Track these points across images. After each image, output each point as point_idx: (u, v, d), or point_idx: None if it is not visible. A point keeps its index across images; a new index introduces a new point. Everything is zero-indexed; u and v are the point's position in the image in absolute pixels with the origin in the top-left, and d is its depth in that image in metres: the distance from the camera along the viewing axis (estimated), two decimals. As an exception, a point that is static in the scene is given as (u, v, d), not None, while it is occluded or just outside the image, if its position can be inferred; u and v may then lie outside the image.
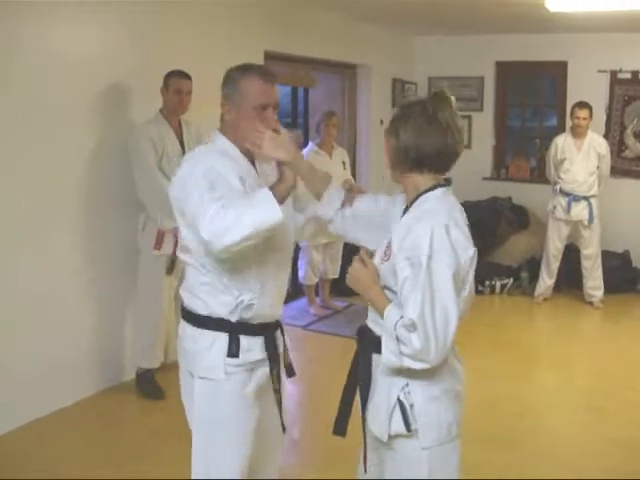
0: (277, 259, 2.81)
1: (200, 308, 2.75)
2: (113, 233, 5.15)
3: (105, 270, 5.14)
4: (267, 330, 2.82)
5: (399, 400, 2.39)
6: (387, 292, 2.41)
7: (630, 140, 8.45)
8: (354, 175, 7.89)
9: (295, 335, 6.42)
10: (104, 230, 5.09)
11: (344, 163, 7.13)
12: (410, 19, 7.90)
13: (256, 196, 2.53)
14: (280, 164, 2.67)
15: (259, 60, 6.40)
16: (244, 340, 2.74)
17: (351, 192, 2.77)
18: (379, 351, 2.38)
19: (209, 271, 2.70)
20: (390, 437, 2.43)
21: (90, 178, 4.97)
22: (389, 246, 2.41)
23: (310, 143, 7.13)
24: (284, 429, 2.96)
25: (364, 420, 2.53)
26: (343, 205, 2.74)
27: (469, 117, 9.04)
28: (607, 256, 7.88)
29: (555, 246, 7.65)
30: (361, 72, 8.54)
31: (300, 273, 7.22)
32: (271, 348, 2.82)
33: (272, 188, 2.56)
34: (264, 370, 2.83)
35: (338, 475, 4.00)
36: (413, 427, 2.38)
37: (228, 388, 2.73)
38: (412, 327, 2.21)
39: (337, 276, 7.34)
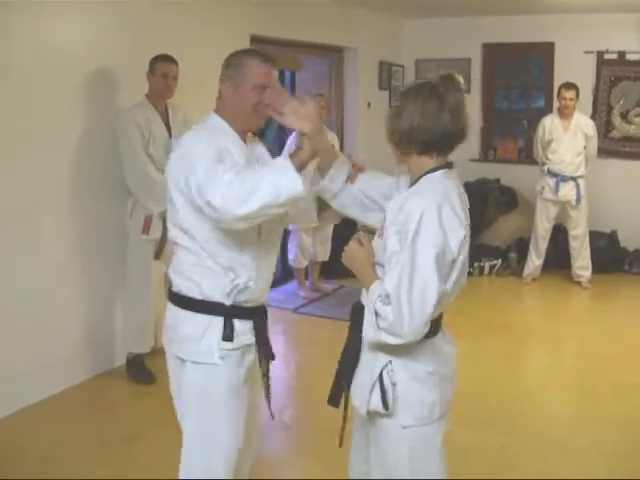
0: (270, 241, 2.82)
1: (194, 292, 2.72)
2: (102, 219, 5.14)
3: (95, 256, 5.13)
4: (256, 314, 2.83)
5: (381, 377, 2.41)
6: (379, 268, 2.43)
7: (617, 120, 8.48)
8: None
9: (285, 318, 6.44)
10: (93, 216, 5.08)
11: (333, 146, 7.11)
12: (397, 2, 7.89)
13: (276, 165, 2.50)
14: (300, 134, 2.59)
15: (245, 44, 6.38)
16: (237, 324, 2.74)
17: (354, 168, 2.76)
18: None
19: (206, 253, 2.68)
20: (370, 413, 2.46)
21: (78, 164, 4.95)
22: (384, 222, 2.43)
23: None
24: (272, 416, 2.95)
25: (347, 393, 2.56)
26: (347, 180, 2.73)
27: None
28: (595, 236, 7.92)
29: (543, 226, 7.68)
30: (348, 55, 8.52)
31: (290, 256, 7.23)
32: (260, 332, 2.83)
33: (292, 157, 2.53)
34: (252, 354, 2.83)
35: (330, 459, 4.02)
36: (391, 405, 2.40)
37: (223, 372, 2.73)
38: (387, 299, 2.24)
39: (327, 259, 7.36)
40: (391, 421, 2.44)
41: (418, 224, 2.24)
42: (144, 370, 5.14)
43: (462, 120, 2.41)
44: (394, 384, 2.40)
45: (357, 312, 2.55)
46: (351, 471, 2.81)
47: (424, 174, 2.43)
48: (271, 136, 7.85)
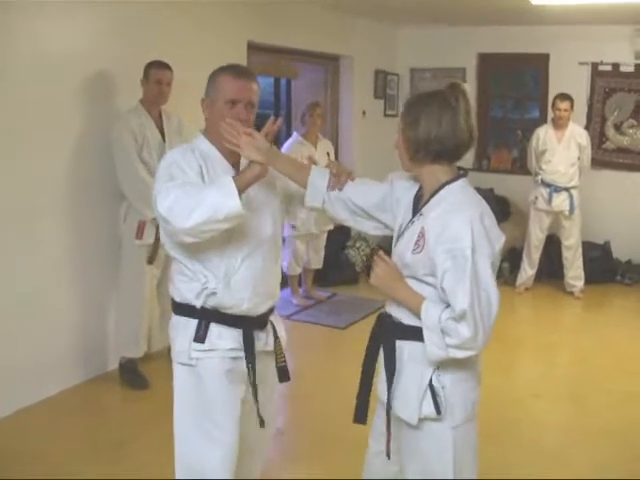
0: (250, 252, 2.80)
1: (176, 295, 2.85)
2: (97, 223, 5.15)
3: (89, 260, 5.14)
4: (245, 323, 2.83)
5: (431, 384, 2.46)
6: (415, 281, 2.46)
7: (610, 132, 8.52)
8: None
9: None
10: (88, 220, 5.08)
11: (328, 154, 7.14)
12: (393, 11, 7.91)
13: (219, 184, 2.56)
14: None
15: (242, 51, 6.41)
16: (215, 328, 2.79)
17: (337, 176, 2.76)
18: (402, 337, 2.49)
19: (180, 261, 2.79)
20: (419, 420, 2.49)
21: (75, 167, 4.96)
22: (422, 237, 2.42)
23: (295, 134, 7.14)
24: (262, 423, 2.92)
25: (389, 406, 2.56)
26: (332, 188, 2.75)
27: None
28: (587, 247, 7.95)
29: (536, 236, 7.71)
30: (344, 63, 8.55)
31: (283, 263, 7.23)
32: (247, 342, 2.83)
33: (240, 173, 2.62)
34: (243, 362, 2.84)
35: (324, 464, 4.04)
36: (443, 409, 2.45)
37: (205, 374, 2.78)
38: (461, 317, 2.29)
39: (320, 266, 7.36)
40: (440, 424, 2.48)
41: (472, 241, 2.30)
42: (137, 375, 5.14)
43: (472, 127, 2.46)
44: (443, 387, 2.46)
45: (385, 324, 2.60)
46: (368, 477, 2.84)
47: (444, 185, 2.47)
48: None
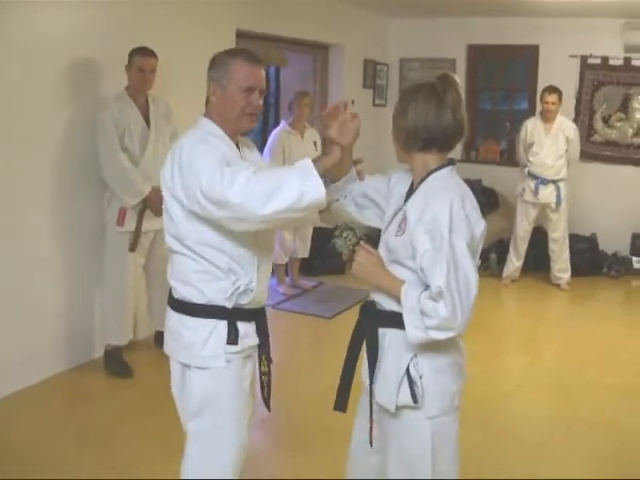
0: (267, 242, 2.83)
1: (196, 297, 2.69)
2: (81, 211, 5.11)
3: (73, 248, 5.10)
4: (258, 315, 2.83)
5: (408, 371, 2.46)
6: (397, 266, 2.48)
7: (599, 125, 8.53)
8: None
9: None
10: (73, 208, 5.05)
11: (315, 143, 7.14)
12: (383, 0, 7.89)
13: (299, 168, 2.48)
14: (332, 143, 2.64)
15: (231, 38, 6.37)
16: (241, 326, 2.73)
17: (359, 174, 2.82)
18: (385, 325, 2.50)
19: (204, 258, 2.66)
20: (397, 408, 2.50)
21: (58, 157, 4.93)
22: (404, 220, 2.46)
23: (282, 122, 7.12)
24: (269, 407, 2.95)
25: (371, 393, 2.58)
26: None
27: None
28: (574, 239, 7.97)
29: (523, 228, 7.72)
30: (333, 52, 8.53)
31: None
32: (263, 333, 2.83)
33: (316, 161, 2.54)
34: (255, 356, 2.85)
35: (307, 452, 4.05)
36: (419, 398, 2.45)
37: (229, 375, 2.72)
38: (439, 296, 2.29)
39: (307, 256, 7.37)
40: (416, 413, 2.49)
41: (450, 221, 2.32)
42: (122, 363, 5.12)
43: (461, 117, 2.50)
44: (420, 376, 2.47)
45: (369, 312, 2.61)
46: (352, 466, 2.84)
47: (431, 172, 2.51)
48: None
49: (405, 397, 2.47)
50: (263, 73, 2.77)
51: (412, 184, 2.60)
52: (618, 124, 8.44)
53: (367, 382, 2.59)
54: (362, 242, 2.55)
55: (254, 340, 2.79)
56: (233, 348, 2.70)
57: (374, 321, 2.57)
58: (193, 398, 2.75)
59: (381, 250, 2.57)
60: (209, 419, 2.74)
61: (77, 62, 4.95)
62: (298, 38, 7.67)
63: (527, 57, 8.86)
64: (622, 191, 8.43)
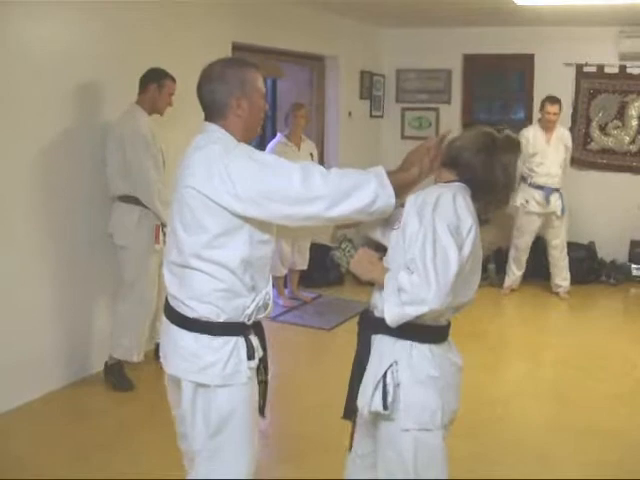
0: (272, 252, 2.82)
1: (215, 315, 2.63)
2: (83, 226, 5.11)
3: (74, 264, 5.10)
4: (258, 327, 2.80)
5: (384, 377, 2.45)
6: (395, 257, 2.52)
7: (595, 133, 8.55)
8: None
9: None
10: (72, 223, 5.05)
11: (312, 155, 7.15)
12: (378, 11, 7.91)
13: (377, 174, 2.53)
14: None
15: (227, 51, 6.38)
16: (253, 340, 2.72)
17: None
18: (376, 331, 2.50)
19: (232, 275, 2.60)
20: (372, 414, 2.50)
21: (61, 173, 4.93)
22: (403, 214, 2.53)
23: (278, 134, 7.13)
24: (264, 416, 2.94)
25: (357, 398, 2.58)
26: None
27: (436, 109, 9.11)
28: (573, 247, 7.97)
29: (526, 239, 7.72)
30: (329, 64, 8.54)
31: None
32: (263, 343, 2.82)
33: (390, 172, 2.58)
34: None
35: (308, 465, 4.03)
36: (390, 406, 2.43)
37: (248, 391, 2.71)
38: (413, 265, 2.32)
39: (306, 267, 7.36)
40: (392, 424, 2.47)
41: (436, 203, 2.40)
42: (123, 377, 5.11)
43: (500, 176, 2.56)
44: (397, 385, 2.45)
45: (365, 319, 2.63)
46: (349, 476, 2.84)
47: (445, 182, 2.60)
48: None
49: (377, 403, 2.45)
50: None
51: None
52: (614, 132, 8.46)
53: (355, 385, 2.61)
54: (364, 245, 2.60)
55: (261, 352, 2.77)
56: (252, 363, 2.69)
57: (368, 328, 2.58)
58: (213, 417, 2.69)
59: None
60: (228, 435, 2.70)
61: (76, 76, 4.96)
62: (294, 50, 7.69)
63: (523, 66, 8.88)
64: (620, 199, 8.43)
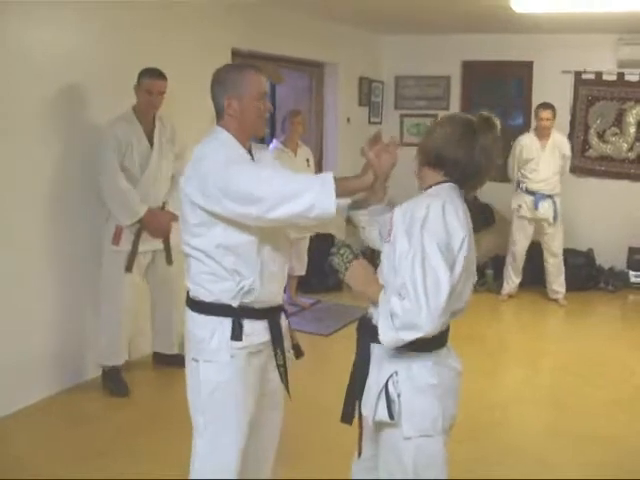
0: (275, 245, 2.92)
1: (205, 296, 2.87)
2: (76, 231, 5.10)
3: (69, 270, 5.09)
4: (271, 314, 2.98)
5: (386, 387, 2.46)
6: (392, 275, 2.48)
7: (593, 140, 8.56)
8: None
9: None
10: (67, 228, 5.04)
11: (308, 161, 7.16)
12: (377, 18, 7.93)
13: (322, 182, 2.61)
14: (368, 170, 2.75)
15: (226, 58, 6.39)
16: (247, 324, 2.88)
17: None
18: (375, 340, 2.46)
19: (212, 260, 2.82)
20: (376, 423, 2.51)
21: (55, 178, 4.93)
22: (391, 226, 2.50)
23: (275, 140, 7.13)
24: (289, 395, 3.17)
25: (359, 405, 2.60)
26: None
27: (435, 116, 9.12)
28: (571, 254, 7.99)
29: (520, 244, 7.73)
30: (328, 70, 8.56)
31: None
32: (275, 331, 2.98)
33: (344, 179, 2.70)
34: (268, 352, 2.99)
35: (306, 467, 4.03)
36: (396, 416, 2.44)
37: (232, 369, 2.87)
38: (404, 290, 2.28)
39: (304, 273, 7.36)
40: (394, 431, 2.48)
41: (424, 220, 2.34)
42: (120, 382, 5.10)
43: (483, 160, 2.54)
44: (399, 394, 2.45)
45: (364, 326, 2.62)
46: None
47: (430, 186, 2.55)
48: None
49: (382, 412, 2.47)
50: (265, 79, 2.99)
51: None
52: (613, 139, 8.47)
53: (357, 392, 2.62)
54: (360, 257, 2.58)
55: (262, 337, 2.94)
56: (237, 344, 2.86)
57: (367, 335, 2.57)
58: (202, 391, 2.90)
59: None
60: (215, 411, 2.90)
61: (73, 85, 4.97)
62: (293, 56, 7.70)
63: (521, 73, 8.90)
64: (618, 206, 8.44)
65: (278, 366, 3.02)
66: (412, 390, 2.46)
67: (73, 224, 5.08)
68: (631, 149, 8.42)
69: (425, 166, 2.58)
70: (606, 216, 8.48)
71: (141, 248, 5.06)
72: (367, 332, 2.57)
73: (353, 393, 2.66)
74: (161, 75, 4.99)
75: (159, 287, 5.35)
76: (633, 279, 8.33)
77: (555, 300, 7.76)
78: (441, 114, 9.05)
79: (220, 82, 2.90)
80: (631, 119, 8.34)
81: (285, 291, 7.32)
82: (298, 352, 3.22)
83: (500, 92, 9.48)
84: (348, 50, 8.60)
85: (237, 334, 2.86)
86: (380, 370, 2.49)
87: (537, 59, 8.66)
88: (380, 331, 2.36)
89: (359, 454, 2.69)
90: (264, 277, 2.87)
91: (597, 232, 8.48)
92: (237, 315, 2.86)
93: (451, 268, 2.33)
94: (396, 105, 9.56)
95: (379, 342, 2.44)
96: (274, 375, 3.05)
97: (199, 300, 2.90)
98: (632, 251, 8.38)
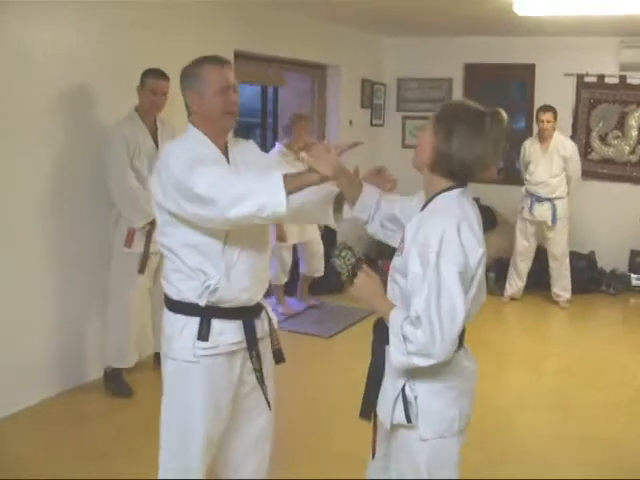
0: (245, 245, 2.85)
1: (174, 294, 2.87)
2: (80, 232, 5.12)
3: (71, 271, 5.10)
4: (245, 314, 2.90)
5: (403, 391, 2.46)
6: (395, 285, 2.49)
7: (596, 143, 8.57)
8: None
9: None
10: (72, 229, 5.06)
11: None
12: (379, 21, 7.94)
13: (270, 182, 2.57)
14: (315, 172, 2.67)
15: (229, 59, 6.39)
16: (217, 324, 2.83)
17: (386, 183, 2.90)
18: (387, 342, 2.45)
19: (178, 258, 2.81)
20: (393, 426, 2.50)
21: (58, 178, 4.94)
22: (402, 240, 2.47)
23: (277, 144, 7.13)
24: (269, 405, 3.04)
25: (376, 407, 2.59)
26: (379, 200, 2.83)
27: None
28: (573, 257, 7.97)
29: (522, 245, 7.74)
30: (330, 72, 8.57)
31: (270, 273, 7.16)
32: (249, 331, 2.90)
33: (294, 174, 2.66)
34: (245, 354, 2.93)
35: (309, 472, 4.02)
36: (414, 419, 2.44)
37: (197, 370, 2.83)
38: (418, 321, 2.27)
39: (322, 274, 7.41)
40: (411, 433, 2.48)
41: (440, 245, 2.28)
42: (122, 383, 5.11)
43: (494, 156, 2.47)
44: (416, 397, 2.45)
45: (379, 328, 2.59)
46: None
47: (440, 192, 2.47)
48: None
49: (400, 416, 2.46)
50: (231, 71, 2.92)
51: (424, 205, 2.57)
52: (615, 142, 8.48)
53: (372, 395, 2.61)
54: (364, 266, 2.54)
55: (233, 338, 2.87)
56: (203, 344, 2.81)
57: (382, 338, 2.55)
58: (166, 385, 2.91)
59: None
60: (176, 408, 2.89)
61: (75, 86, 4.98)
62: (296, 59, 7.71)
63: (524, 76, 8.91)
64: (620, 209, 8.45)
65: (254, 370, 2.95)
66: (429, 392, 2.46)
67: (76, 225, 5.09)
68: (633, 152, 8.42)
69: (442, 176, 2.47)
70: (608, 219, 8.49)
71: (151, 249, 5.06)
72: (383, 334, 2.53)
73: (372, 390, 2.64)
74: (164, 75, 5.01)
75: (162, 288, 5.35)
76: (635, 282, 8.33)
77: (557, 303, 7.76)
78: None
79: (183, 79, 2.91)
80: (633, 122, 8.35)
81: (297, 292, 7.40)
82: (278, 358, 3.11)
83: (502, 95, 9.48)
84: (350, 52, 8.61)
85: (203, 334, 2.81)
86: (397, 374, 2.48)
87: (539, 62, 8.67)
88: (391, 350, 2.36)
89: (373, 455, 2.68)
90: (231, 277, 2.81)
91: (599, 235, 8.49)
92: (205, 314, 2.82)
93: (468, 288, 2.33)
94: (398, 107, 9.57)
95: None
96: (251, 378, 2.98)
97: (170, 298, 2.89)
98: (634, 254, 8.39)
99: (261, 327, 3.00)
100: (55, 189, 4.94)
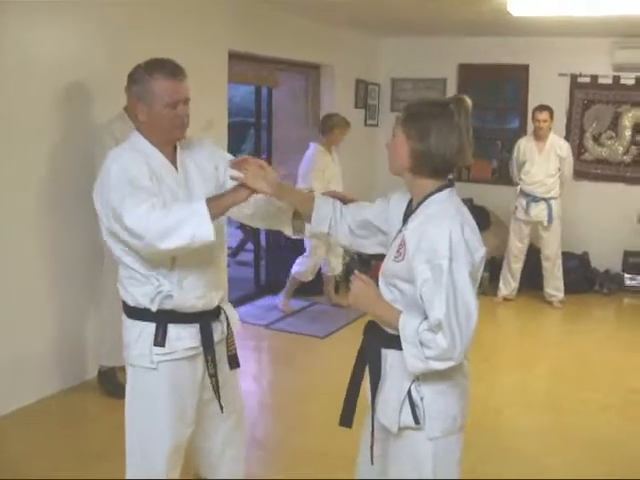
0: (200, 252, 2.76)
1: (129, 299, 2.83)
2: (76, 232, 5.10)
3: (68, 270, 5.09)
4: (202, 318, 2.88)
5: (409, 394, 2.46)
6: (394, 290, 2.47)
7: (589, 143, 8.59)
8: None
9: (257, 334, 6.43)
10: (67, 229, 5.05)
11: (311, 192, 7.18)
12: (374, 21, 7.94)
13: (195, 212, 2.55)
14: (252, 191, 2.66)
15: (223, 60, 6.40)
16: (173, 329, 2.81)
17: (345, 199, 2.85)
18: (387, 346, 2.48)
19: (128, 266, 2.78)
20: (399, 429, 2.49)
21: (53, 177, 4.93)
22: (403, 245, 2.43)
23: (313, 144, 7.14)
24: (222, 409, 2.98)
25: (373, 412, 2.59)
26: (345, 202, 2.82)
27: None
28: (566, 257, 7.99)
29: (516, 246, 7.75)
30: (325, 72, 8.56)
31: (298, 268, 7.16)
32: (205, 337, 2.87)
33: (218, 197, 2.64)
34: (201, 359, 2.90)
35: (303, 475, 4.02)
36: (421, 419, 2.45)
37: (156, 375, 2.82)
38: (438, 327, 2.27)
39: (340, 272, 7.48)
40: (418, 434, 2.48)
41: (450, 251, 2.28)
42: (116, 383, 5.11)
43: (468, 145, 2.48)
44: (422, 398, 2.46)
45: (371, 331, 2.60)
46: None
47: (430, 194, 2.47)
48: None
49: (407, 419, 2.46)
50: (186, 82, 2.84)
51: (409, 204, 2.56)
52: (608, 142, 8.50)
53: (370, 400, 2.60)
54: (356, 271, 2.54)
55: (191, 343, 2.85)
56: (160, 350, 2.79)
57: (377, 341, 2.55)
58: (127, 392, 2.92)
59: (381, 272, 2.56)
60: (138, 415, 2.91)
61: (70, 85, 4.96)
62: (290, 59, 7.71)
63: (517, 76, 8.92)
64: (613, 209, 8.47)
65: (209, 375, 2.91)
66: (434, 392, 2.47)
67: (71, 224, 5.07)
68: (627, 152, 8.45)
69: (424, 176, 2.46)
70: (601, 219, 8.52)
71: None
72: (377, 338, 2.55)
73: (354, 397, 2.65)
74: None
75: None
76: (628, 282, 8.36)
77: (550, 303, 7.78)
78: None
79: (132, 82, 2.86)
80: (627, 122, 8.37)
81: (323, 292, 7.40)
82: (232, 363, 3.04)
83: (496, 95, 9.48)
84: (345, 52, 8.61)
85: (160, 340, 2.79)
86: (402, 377, 2.47)
87: (533, 62, 8.69)
88: (407, 355, 2.35)
89: (371, 461, 2.67)
90: (184, 286, 2.79)
91: (592, 235, 8.51)
92: (161, 320, 2.79)
93: (476, 287, 2.37)
94: (392, 107, 9.56)
95: (394, 348, 2.44)
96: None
97: (126, 304, 2.86)
98: (627, 254, 8.41)
99: (221, 329, 2.98)
100: (51, 188, 4.92)
